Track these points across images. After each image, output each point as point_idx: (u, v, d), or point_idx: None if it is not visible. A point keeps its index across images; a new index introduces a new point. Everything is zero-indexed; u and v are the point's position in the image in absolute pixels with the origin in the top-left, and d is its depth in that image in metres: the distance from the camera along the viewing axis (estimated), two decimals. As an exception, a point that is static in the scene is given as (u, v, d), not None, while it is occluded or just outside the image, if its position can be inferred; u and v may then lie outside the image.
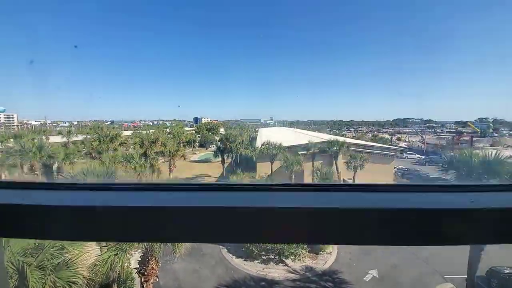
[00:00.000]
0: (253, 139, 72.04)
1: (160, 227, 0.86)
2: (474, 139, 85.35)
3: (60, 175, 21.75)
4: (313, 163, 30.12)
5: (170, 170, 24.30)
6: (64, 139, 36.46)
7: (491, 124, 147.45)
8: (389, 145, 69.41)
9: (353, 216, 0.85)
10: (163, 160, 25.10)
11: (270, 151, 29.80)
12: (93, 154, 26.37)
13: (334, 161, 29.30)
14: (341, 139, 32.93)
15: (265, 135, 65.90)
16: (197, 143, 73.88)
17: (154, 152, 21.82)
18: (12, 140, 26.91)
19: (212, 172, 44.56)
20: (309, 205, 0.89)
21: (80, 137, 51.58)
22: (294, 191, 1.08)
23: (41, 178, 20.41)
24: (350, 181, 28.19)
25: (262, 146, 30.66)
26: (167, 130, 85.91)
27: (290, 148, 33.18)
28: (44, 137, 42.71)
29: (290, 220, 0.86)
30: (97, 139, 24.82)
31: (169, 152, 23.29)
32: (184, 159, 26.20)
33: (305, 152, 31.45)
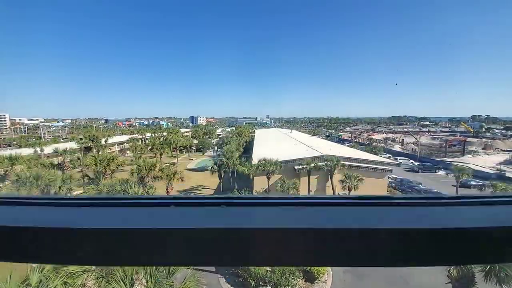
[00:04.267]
0: (250, 143, 72.39)
1: (142, 252, 0.78)
2: (468, 139, 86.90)
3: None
4: (309, 180, 30.66)
5: (168, 193, 24.55)
6: (61, 146, 36.31)
7: (483, 124, 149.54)
8: (383, 150, 70.42)
9: (363, 236, 0.74)
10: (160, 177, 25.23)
11: (266, 168, 30.14)
12: (89, 178, 26.34)
13: (330, 179, 29.81)
14: (336, 152, 33.40)
15: (262, 139, 66.30)
16: (193, 148, 73.85)
17: (152, 177, 22.01)
18: (7, 161, 26.67)
19: (209, 182, 44.81)
20: (308, 224, 0.78)
21: (75, 144, 51.23)
22: (288, 205, 0.95)
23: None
24: (347, 194, 28.76)
25: (259, 162, 30.96)
26: (164, 133, 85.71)
27: (286, 162, 33.57)
28: (39, 150, 42.41)
29: (285, 241, 0.76)
30: (94, 163, 24.87)
31: (167, 176, 23.52)
32: (182, 181, 26.39)
33: (301, 167, 31.91)
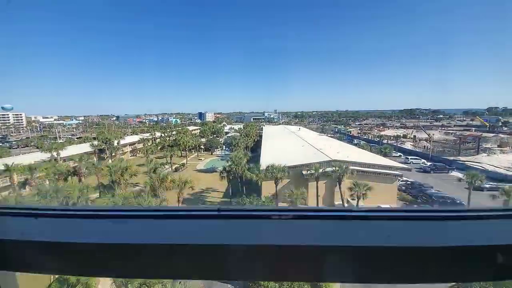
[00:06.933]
0: (258, 142, 72.62)
1: (154, 264, 0.79)
2: (483, 135, 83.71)
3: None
4: (317, 186, 30.85)
5: (179, 201, 25.36)
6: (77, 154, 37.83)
7: (500, 117, 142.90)
8: (394, 148, 69.08)
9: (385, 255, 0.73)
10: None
11: (274, 174, 30.43)
12: (104, 187, 27.41)
13: (338, 185, 29.82)
14: (344, 155, 33.26)
15: (269, 139, 66.46)
16: (202, 147, 74.81)
17: (164, 188, 22.77)
18: (27, 171, 28.07)
19: (219, 185, 45.50)
20: (324, 242, 0.76)
21: (89, 147, 52.93)
22: (305, 218, 0.90)
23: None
24: (354, 202, 28.79)
25: (267, 168, 31.27)
26: (173, 133, 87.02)
27: (294, 168, 33.72)
28: (56, 154, 44.22)
29: (301, 259, 0.74)
30: (109, 173, 25.94)
31: (178, 186, 24.28)
32: (192, 189, 27.13)
33: (309, 172, 32.02)
